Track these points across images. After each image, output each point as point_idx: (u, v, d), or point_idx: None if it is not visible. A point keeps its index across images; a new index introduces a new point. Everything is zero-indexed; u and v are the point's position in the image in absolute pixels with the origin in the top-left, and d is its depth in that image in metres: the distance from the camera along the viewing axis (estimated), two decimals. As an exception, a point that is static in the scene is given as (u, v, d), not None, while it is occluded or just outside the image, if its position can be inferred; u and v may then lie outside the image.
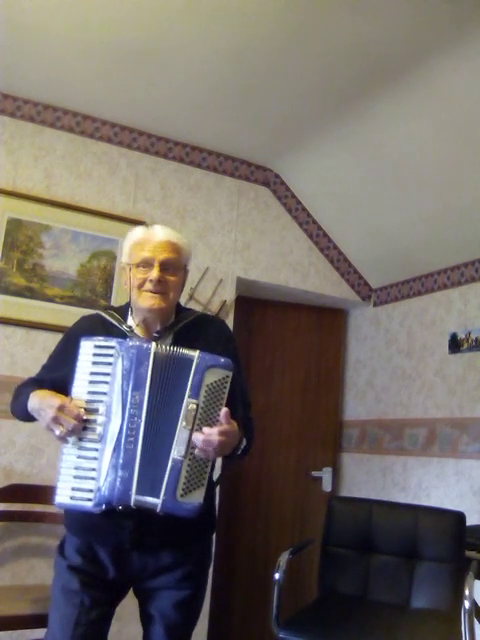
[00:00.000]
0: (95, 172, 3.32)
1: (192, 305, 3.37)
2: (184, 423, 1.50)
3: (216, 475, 1.67)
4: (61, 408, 1.52)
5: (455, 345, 3.38)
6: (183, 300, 3.35)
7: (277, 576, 2.37)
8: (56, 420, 1.52)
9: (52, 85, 3.06)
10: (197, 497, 1.50)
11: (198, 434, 1.49)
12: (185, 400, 1.51)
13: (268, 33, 2.53)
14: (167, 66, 2.81)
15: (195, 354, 1.55)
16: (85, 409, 1.54)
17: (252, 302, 3.93)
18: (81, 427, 1.53)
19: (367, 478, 3.83)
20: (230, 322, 3.54)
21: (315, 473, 3.94)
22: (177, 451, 1.49)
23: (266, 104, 3.06)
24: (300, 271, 3.82)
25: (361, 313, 4.16)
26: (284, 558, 2.42)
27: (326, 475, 3.95)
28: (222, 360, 1.56)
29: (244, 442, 1.64)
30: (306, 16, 2.41)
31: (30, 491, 2.76)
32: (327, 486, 3.94)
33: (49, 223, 3.14)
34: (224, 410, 1.51)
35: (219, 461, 1.58)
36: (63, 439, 1.54)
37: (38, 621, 2.27)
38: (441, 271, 3.56)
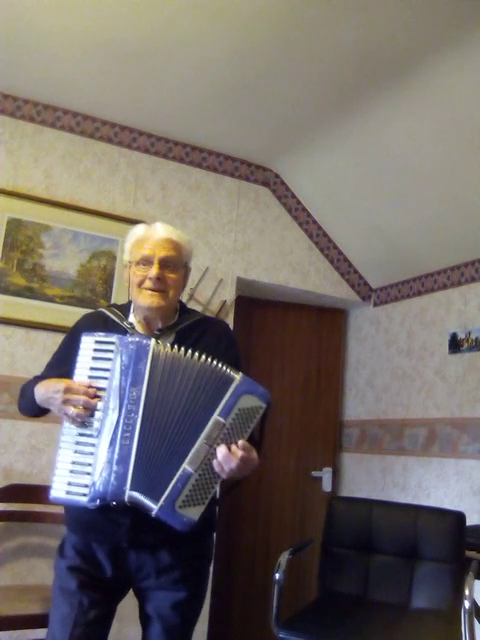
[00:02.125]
0: (95, 172, 3.32)
1: (192, 305, 3.37)
2: (205, 437, 1.50)
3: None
4: (68, 390, 1.53)
5: (455, 345, 3.38)
6: (183, 300, 3.36)
7: (277, 576, 2.37)
8: (67, 402, 1.52)
9: (52, 85, 3.06)
10: (195, 513, 1.48)
11: (223, 448, 1.48)
12: (213, 416, 1.51)
13: (268, 33, 2.53)
14: (167, 66, 2.81)
15: (238, 376, 1.54)
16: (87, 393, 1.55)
17: (252, 302, 3.93)
18: (93, 402, 1.53)
19: (367, 478, 3.83)
20: (230, 322, 3.54)
21: (315, 473, 3.94)
22: (191, 463, 1.49)
23: (266, 104, 3.06)
24: (300, 271, 3.82)
25: (361, 313, 4.16)
26: (284, 558, 2.42)
27: (326, 475, 3.95)
28: (262, 390, 1.55)
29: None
30: (306, 16, 2.41)
31: (30, 491, 2.76)
32: (327, 486, 3.94)
33: (49, 223, 3.14)
34: (242, 443, 1.50)
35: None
36: (79, 418, 1.53)
37: (38, 621, 2.28)
38: (441, 271, 3.56)
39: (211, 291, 3.48)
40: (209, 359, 1.55)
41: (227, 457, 1.48)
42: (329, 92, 2.90)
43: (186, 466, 1.49)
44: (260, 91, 2.95)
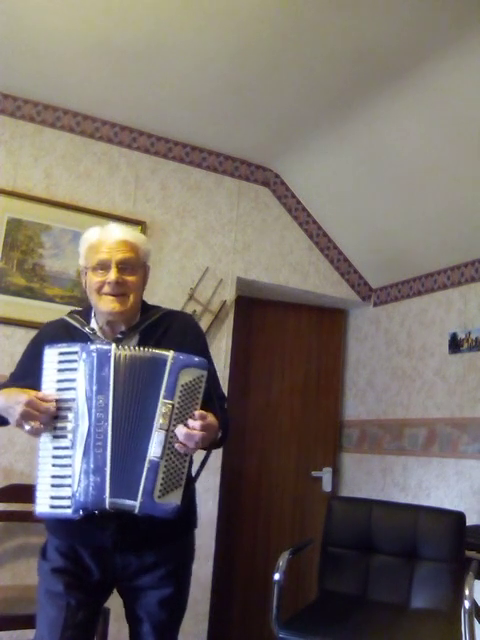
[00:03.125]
0: (95, 172, 3.32)
1: (192, 305, 3.37)
2: (160, 424, 1.50)
3: (194, 470, 1.67)
4: (29, 403, 1.49)
5: (455, 345, 3.38)
6: (183, 300, 3.37)
7: (277, 576, 2.37)
8: (25, 415, 1.49)
9: (52, 85, 3.06)
10: (175, 498, 1.50)
11: (181, 428, 1.49)
12: (160, 401, 1.51)
13: (268, 33, 2.53)
14: (167, 66, 2.81)
15: (169, 354, 1.53)
16: (57, 408, 1.53)
17: (252, 302, 3.93)
18: (51, 421, 1.51)
19: (367, 478, 3.83)
20: (230, 322, 3.54)
21: (315, 473, 3.94)
22: (153, 452, 1.49)
23: (266, 104, 3.06)
24: (300, 271, 3.82)
25: (361, 313, 4.16)
26: (284, 558, 2.42)
27: (326, 475, 3.95)
28: (196, 359, 1.55)
29: (219, 432, 1.63)
30: (306, 16, 2.41)
31: (30, 491, 2.72)
32: (327, 486, 3.94)
33: (49, 223, 3.14)
34: (198, 412, 1.51)
35: (197, 455, 1.59)
36: (35, 434, 1.52)
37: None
38: (441, 271, 3.56)
39: (211, 291, 3.48)
40: (145, 348, 1.55)
41: (187, 435, 1.48)
42: (329, 92, 2.90)
43: (151, 457, 1.49)
44: (260, 91, 2.95)
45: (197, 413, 1.51)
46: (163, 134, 3.46)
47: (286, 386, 3.99)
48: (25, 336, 3.02)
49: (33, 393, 1.53)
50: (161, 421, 1.50)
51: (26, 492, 2.75)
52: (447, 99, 2.70)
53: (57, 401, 1.53)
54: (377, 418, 3.84)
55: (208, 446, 1.59)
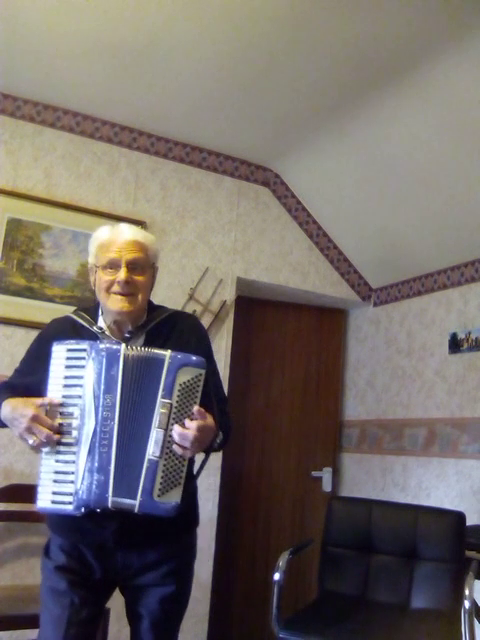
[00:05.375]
0: (95, 172, 3.32)
1: (192, 305, 3.37)
2: (158, 423, 1.51)
3: (196, 468, 1.67)
4: (34, 418, 1.50)
5: (455, 345, 3.38)
6: (183, 300, 3.37)
7: (277, 576, 2.37)
8: (29, 430, 1.50)
9: (52, 85, 3.06)
10: (174, 496, 1.50)
11: (177, 428, 1.49)
12: (158, 400, 1.51)
13: (268, 33, 2.53)
14: (167, 66, 2.81)
15: (166, 354, 1.54)
16: (60, 413, 1.54)
17: (252, 302, 3.93)
18: (55, 438, 1.52)
19: (367, 478, 3.83)
20: (230, 322, 3.54)
21: (315, 473, 3.94)
22: (152, 451, 1.50)
23: (266, 104, 3.06)
24: (300, 271, 3.82)
25: (361, 313, 4.16)
26: (284, 558, 2.42)
27: (326, 475, 3.95)
28: (194, 358, 1.56)
29: (220, 436, 1.64)
30: (305, 16, 2.41)
31: (30, 491, 2.71)
32: (327, 486, 3.94)
33: (49, 223, 3.14)
34: (196, 408, 1.52)
35: (198, 454, 1.59)
36: (36, 449, 1.53)
37: (38, 621, 2.27)
38: (441, 271, 3.56)
39: (211, 291, 3.48)
40: (144, 348, 1.56)
41: (182, 435, 1.49)
42: (329, 92, 2.90)
43: (150, 456, 1.50)
44: (260, 91, 2.95)
45: (196, 409, 1.51)
46: (163, 134, 3.46)
47: (286, 386, 3.99)
48: (25, 336, 3.03)
49: (39, 409, 1.52)
50: (159, 420, 1.51)
51: (26, 492, 2.76)
52: (447, 99, 2.70)
53: (62, 406, 1.54)
54: (377, 418, 3.84)
55: (207, 449, 1.59)
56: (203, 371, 1.56)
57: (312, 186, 3.70)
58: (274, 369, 3.99)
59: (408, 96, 2.78)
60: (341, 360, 4.18)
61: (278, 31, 2.51)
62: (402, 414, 3.65)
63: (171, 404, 1.51)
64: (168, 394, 1.52)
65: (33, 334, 3.00)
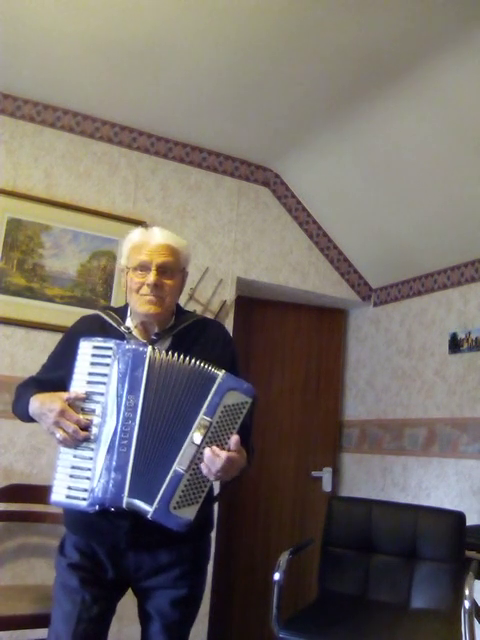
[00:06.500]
0: (95, 172, 3.32)
1: (192, 305, 3.37)
2: (194, 438, 1.50)
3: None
4: (62, 413, 1.52)
5: (455, 345, 3.38)
6: (183, 300, 3.36)
7: (277, 576, 2.37)
8: (57, 424, 1.53)
9: (52, 85, 3.06)
10: (189, 513, 1.49)
11: (208, 450, 1.49)
12: (200, 416, 1.51)
13: (268, 33, 2.53)
14: (167, 66, 2.81)
15: (220, 373, 1.55)
16: (82, 408, 1.55)
17: (252, 302, 3.93)
18: (81, 433, 1.53)
19: (367, 478, 3.83)
20: (230, 322, 3.54)
21: (315, 473, 3.94)
22: (180, 463, 1.49)
23: (266, 104, 3.06)
24: (300, 271, 3.82)
25: (361, 313, 4.16)
26: (284, 558, 2.42)
27: (326, 475, 3.95)
28: (245, 385, 1.56)
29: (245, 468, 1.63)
30: (306, 16, 2.41)
31: (30, 491, 2.76)
32: (327, 486, 3.94)
33: (49, 223, 3.14)
34: (235, 438, 1.51)
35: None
36: (64, 444, 1.55)
37: (38, 621, 2.28)
38: (441, 271, 3.56)
39: (211, 291, 3.48)
40: (195, 361, 1.56)
41: (211, 458, 1.48)
42: (329, 92, 2.90)
43: (176, 467, 1.50)
44: (260, 91, 2.95)
45: (233, 440, 1.51)
46: (163, 134, 3.46)
47: (286, 386, 3.99)
48: (25, 336, 3.03)
49: (65, 404, 1.54)
50: (196, 435, 1.50)
51: (26, 492, 2.77)
52: (447, 99, 2.70)
53: (84, 401, 1.55)
54: (377, 418, 3.84)
55: (229, 479, 1.58)
56: (250, 400, 1.55)
57: (312, 186, 3.70)
58: (274, 369, 3.99)
59: (408, 96, 2.78)
60: (341, 360, 4.18)
61: (278, 31, 2.51)
62: (402, 414, 3.65)
63: (211, 422, 1.51)
64: (211, 413, 1.51)
65: (33, 334, 3.04)
